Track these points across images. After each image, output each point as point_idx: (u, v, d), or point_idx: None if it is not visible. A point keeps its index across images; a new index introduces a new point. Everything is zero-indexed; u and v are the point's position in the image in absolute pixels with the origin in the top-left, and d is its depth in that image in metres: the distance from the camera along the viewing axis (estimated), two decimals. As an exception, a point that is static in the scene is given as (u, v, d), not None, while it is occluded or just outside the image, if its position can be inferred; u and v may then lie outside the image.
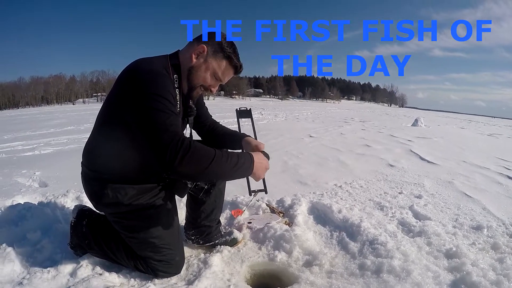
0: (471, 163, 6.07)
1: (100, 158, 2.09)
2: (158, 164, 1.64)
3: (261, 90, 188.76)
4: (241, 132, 2.59)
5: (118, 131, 1.89)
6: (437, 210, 3.48)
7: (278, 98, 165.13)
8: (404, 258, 2.33)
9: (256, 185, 2.46)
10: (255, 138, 2.85)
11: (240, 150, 2.36)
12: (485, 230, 2.91)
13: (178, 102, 2.01)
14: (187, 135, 2.30)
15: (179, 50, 2.12)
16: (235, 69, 2.13)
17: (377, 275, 2.19)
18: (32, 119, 20.68)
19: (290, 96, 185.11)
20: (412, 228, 2.92)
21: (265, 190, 2.92)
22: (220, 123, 2.71)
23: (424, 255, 2.47)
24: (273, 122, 16.13)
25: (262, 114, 22.20)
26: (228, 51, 2.03)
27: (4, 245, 2.25)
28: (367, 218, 3.13)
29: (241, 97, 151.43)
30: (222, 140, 2.53)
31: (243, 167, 1.83)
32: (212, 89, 2.13)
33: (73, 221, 2.35)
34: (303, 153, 6.79)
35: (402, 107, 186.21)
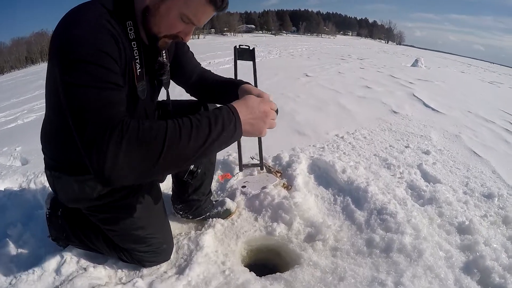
0: (476, 114, 5.85)
1: (57, 143, 1.62)
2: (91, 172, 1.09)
3: (253, 26, 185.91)
4: (238, 78, 1.94)
5: (60, 110, 1.34)
6: (447, 171, 3.28)
7: (271, 34, 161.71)
8: (415, 234, 2.14)
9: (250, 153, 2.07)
10: (256, 86, 2.42)
11: None
12: (496, 199, 2.74)
13: (137, 61, 1.42)
14: (165, 98, 1.86)
15: None
16: (214, 4, 1.33)
17: (387, 254, 2.02)
18: (17, 84, 19.47)
19: (284, 31, 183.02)
20: (423, 193, 2.73)
21: (260, 165, 2.55)
22: (211, 71, 2.04)
23: (435, 229, 2.30)
24: (267, 60, 15.38)
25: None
26: None
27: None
28: (374, 180, 2.88)
29: (232, 34, 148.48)
30: (212, 92, 1.89)
31: (224, 134, 1.17)
32: (184, 36, 1.43)
33: (47, 213, 2.05)
34: (300, 96, 6.44)
35: (400, 44, 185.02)
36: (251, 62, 2.80)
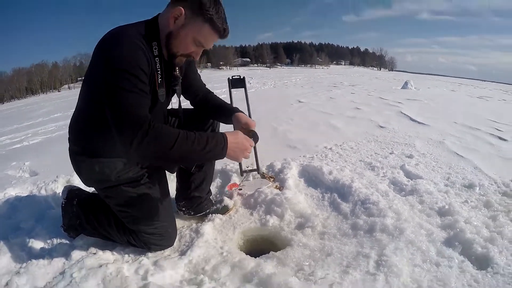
0: (462, 124, 6.00)
1: (84, 132, 2.03)
2: (121, 146, 1.61)
3: (248, 59, 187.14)
4: (233, 104, 2.50)
5: (95, 105, 1.82)
6: (429, 169, 3.46)
7: (266, 66, 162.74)
8: (396, 217, 2.33)
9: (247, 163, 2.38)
10: (248, 109, 2.77)
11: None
12: (477, 188, 2.91)
13: (159, 72, 1.87)
14: (176, 106, 2.27)
15: (159, 13, 1.90)
16: (219, 33, 1.84)
17: (370, 234, 2.20)
18: (18, 112, 20.06)
19: (278, 64, 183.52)
20: (404, 187, 2.93)
21: (257, 170, 2.86)
22: (214, 93, 2.52)
23: (416, 213, 2.48)
24: (262, 90, 15.88)
25: (250, 83, 21.65)
26: (209, 14, 1.74)
27: (-1, 238, 2.27)
28: (358, 178, 3.10)
29: (228, 67, 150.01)
30: (213, 112, 2.39)
31: (214, 151, 1.69)
32: (195, 56, 1.94)
33: (63, 202, 2.33)
34: (293, 119, 6.63)
35: (392, 70, 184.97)
36: (243, 89, 3.15)
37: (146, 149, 1.57)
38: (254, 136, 1.99)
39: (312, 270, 1.92)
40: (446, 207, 2.47)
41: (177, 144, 1.59)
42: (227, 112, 2.27)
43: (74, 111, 2.06)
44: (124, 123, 1.58)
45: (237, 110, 2.26)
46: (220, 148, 1.70)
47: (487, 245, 2.01)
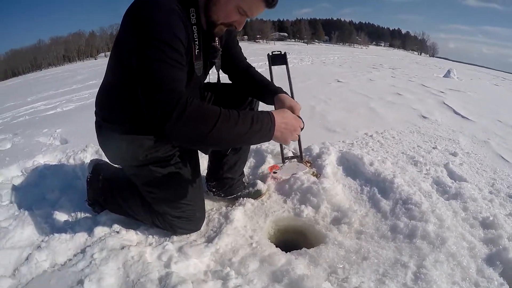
0: (507, 123, 5.70)
1: (111, 106, 1.90)
2: (151, 125, 1.41)
3: (286, 34, 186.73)
4: (273, 82, 2.22)
5: (125, 76, 1.66)
6: (473, 172, 3.26)
7: (303, 42, 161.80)
8: (439, 224, 2.17)
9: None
10: (291, 90, 2.59)
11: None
12: (522, 200, 2.71)
13: (197, 42, 1.69)
14: (215, 80, 2.10)
15: None
16: (266, 2, 1.60)
17: (410, 240, 2.05)
18: (54, 79, 20.49)
19: (316, 40, 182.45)
20: (448, 189, 2.75)
21: (300, 156, 2.71)
22: (255, 69, 2.30)
23: (459, 221, 2.31)
24: (299, 66, 15.57)
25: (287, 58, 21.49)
26: None
27: (23, 208, 2.28)
28: (401, 173, 2.94)
29: (265, 41, 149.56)
30: (254, 89, 2.17)
31: (260, 132, 1.48)
32: (237, 26, 1.71)
33: (89, 177, 2.28)
34: (331, 99, 6.50)
35: (433, 56, 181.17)
36: (285, 66, 2.96)
37: (182, 130, 1.37)
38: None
39: (346, 275, 1.80)
40: (491, 218, 2.30)
41: (218, 125, 1.37)
42: (269, 92, 2.04)
43: (101, 83, 1.93)
44: (156, 100, 1.38)
45: (280, 90, 2.03)
46: (267, 129, 1.50)
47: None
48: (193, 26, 1.65)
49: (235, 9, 1.61)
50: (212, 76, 2.11)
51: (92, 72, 21.48)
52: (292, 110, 1.80)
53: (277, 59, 2.85)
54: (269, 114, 1.54)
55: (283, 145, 2.83)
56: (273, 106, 1.96)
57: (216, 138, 1.40)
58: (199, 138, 1.40)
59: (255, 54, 19.67)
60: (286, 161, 2.68)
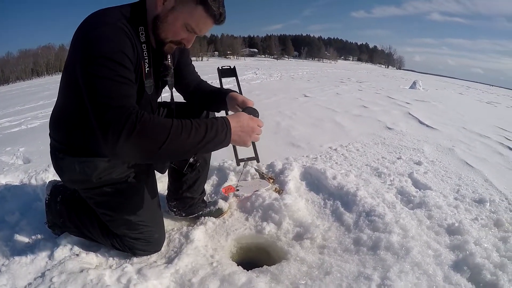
0: (471, 130, 5.84)
1: (63, 127, 1.81)
2: (103, 145, 1.33)
3: (256, 50, 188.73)
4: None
5: (75, 98, 1.58)
6: (438, 179, 3.28)
7: (273, 58, 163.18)
8: (403, 234, 2.15)
9: (245, 152, 2.21)
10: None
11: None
12: (488, 204, 2.73)
13: (147, 60, 1.64)
14: (168, 99, 2.06)
15: None
16: (214, 18, 1.57)
17: (374, 252, 2.02)
18: (21, 93, 20.03)
19: (286, 56, 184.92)
20: (412, 198, 2.75)
21: (256, 158, 2.65)
22: (207, 82, 2.29)
23: (424, 230, 2.30)
24: (267, 82, 15.63)
25: (256, 74, 21.63)
26: None
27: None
28: (364, 185, 2.93)
29: (235, 57, 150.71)
30: (206, 99, 2.14)
31: (216, 139, 1.43)
32: (186, 43, 1.68)
33: (47, 199, 2.18)
34: (297, 114, 6.52)
35: (400, 69, 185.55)
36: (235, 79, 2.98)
37: (134, 148, 1.31)
38: (253, 114, 1.72)
39: (308, 292, 1.74)
40: (456, 224, 2.30)
41: (171, 137, 1.32)
42: (220, 95, 2.05)
43: (56, 105, 1.84)
44: (106, 119, 1.31)
45: (230, 90, 2.04)
46: (222, 134, 1.45)
47: (497, 272, 1.85)
48: (143, 44, 1.61)
49: (183, 26, 1.59)
50: (166, 94, 2.06)
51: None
52: (245, 104, 1.87)
53: (227, 72, 2.85)
54: (223, 119, 1.50)
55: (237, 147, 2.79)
56: (228, 111, 2.02)
57: (170, 151, 1.36)
58: (153, 153, 1.36)
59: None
60: (240, 163, 2.62)
